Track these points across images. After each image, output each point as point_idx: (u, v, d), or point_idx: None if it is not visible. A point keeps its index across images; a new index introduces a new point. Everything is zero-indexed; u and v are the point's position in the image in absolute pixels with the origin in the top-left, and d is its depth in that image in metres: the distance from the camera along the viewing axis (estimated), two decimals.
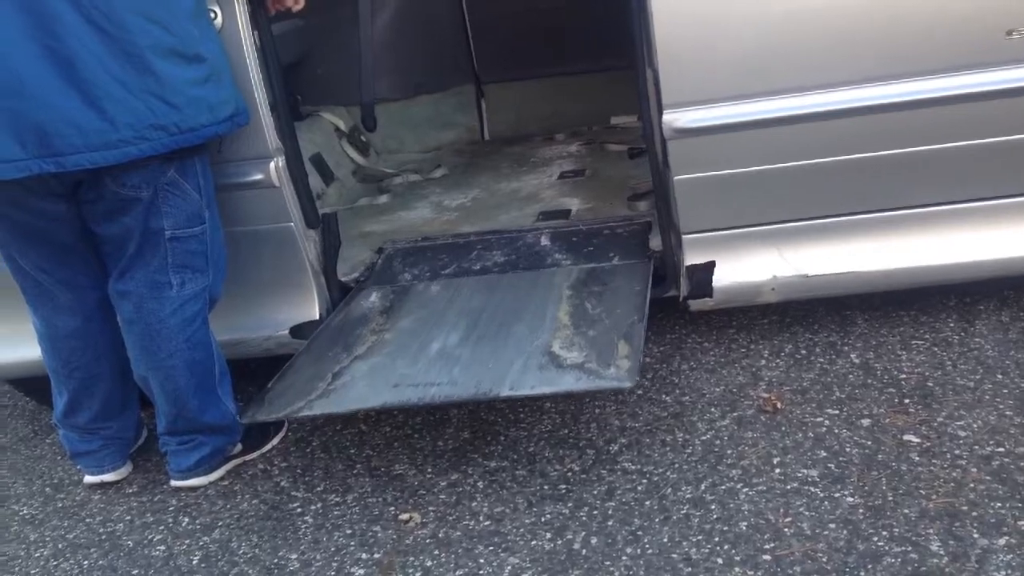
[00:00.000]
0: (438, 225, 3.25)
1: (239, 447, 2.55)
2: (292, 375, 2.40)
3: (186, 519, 2.41)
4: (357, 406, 2.27)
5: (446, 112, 4.27)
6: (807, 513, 2.03)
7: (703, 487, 2.17)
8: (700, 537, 2.01)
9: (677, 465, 2.26)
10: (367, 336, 2.52)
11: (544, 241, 2.91)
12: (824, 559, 1.89)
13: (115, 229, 2.28)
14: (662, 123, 2.43)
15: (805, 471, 2.16)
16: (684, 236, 2.59)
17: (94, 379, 2.48)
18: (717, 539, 2.00)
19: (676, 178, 2.49)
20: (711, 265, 2.60)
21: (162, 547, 2.32)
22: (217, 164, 2.45)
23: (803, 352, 2.63)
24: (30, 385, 2.94)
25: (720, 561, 1.94)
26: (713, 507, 2.10)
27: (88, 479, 2.60)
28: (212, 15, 2.34)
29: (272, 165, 2.53)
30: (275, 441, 2.64)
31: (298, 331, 2.70)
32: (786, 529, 1.99)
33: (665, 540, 2.02)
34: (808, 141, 2.43)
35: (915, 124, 2.39)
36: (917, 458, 2.13)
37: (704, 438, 2.34)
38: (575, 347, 2.26)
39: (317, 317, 2.71)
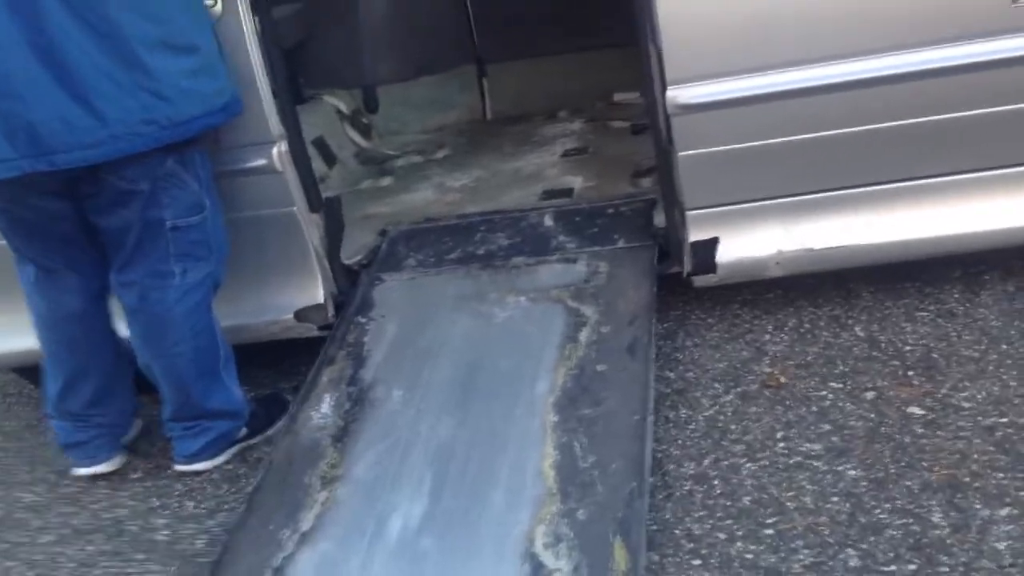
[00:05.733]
0: (441, 206, 3.24)
1: (244, 431, 2.56)
2: (230, 561, 2.01)
3: (191, 503, 2.42)
4: None
5: (448, 92, 4.25)
6: (810, 487, 2.03)
7: (706, 463, 2.17)
8: (703, 513, 2.02)
9: (680, 441, 2.26)
10: (315, 491, 2.13)
11: (548, 221, 2.90)
12: (827, 532, 1.89)
13: (115, 221, 2.28)
14: (666, 99, 2.41)
15: (808, 445, 2.15)
16: (688, 212, 2.57)
17: (91, 361, 2.47)
18: (720, 514, 2.00)
19: (680, 154, 2.48)
20: (715, 241, 2.59)
21: (167, 532, 2.33)
22: (220, 151, 2.45)
23: (807, 326, 2.62)
24: (35, 373, 2.95)
25: (723, 536, 1.94)
26: (716, 483, 2.10)
27: (78, 471, 2.56)
28: (211, 2, 2.34)
29: (275, 151, 2.53)
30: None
31: (302, 315, 2.70)
32: (789, 503, 1.99)
33: (668, 516, 2.02)
34: (813, 114, 2.41)
35: (921, 95, 2.37)
36: (920, 430, 2.13)
37: (707, 414, 2.34)
38: (562, 544, 1.87)
39: (321, 301, 2.71)
